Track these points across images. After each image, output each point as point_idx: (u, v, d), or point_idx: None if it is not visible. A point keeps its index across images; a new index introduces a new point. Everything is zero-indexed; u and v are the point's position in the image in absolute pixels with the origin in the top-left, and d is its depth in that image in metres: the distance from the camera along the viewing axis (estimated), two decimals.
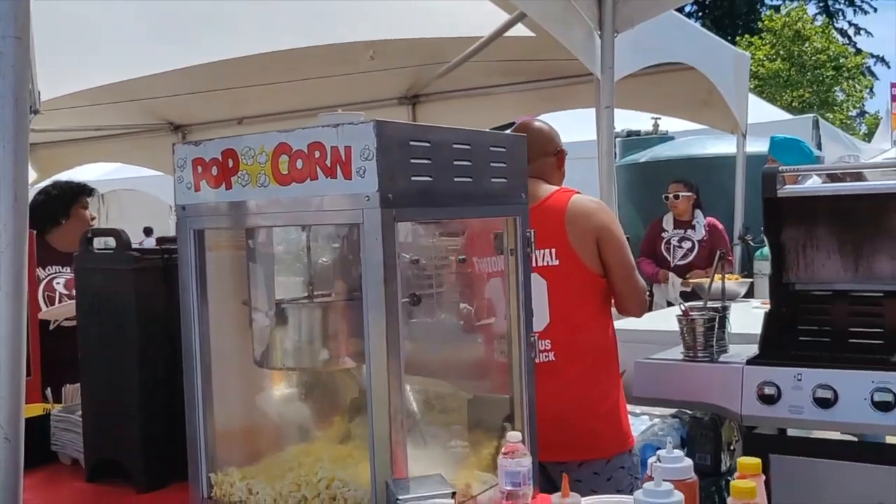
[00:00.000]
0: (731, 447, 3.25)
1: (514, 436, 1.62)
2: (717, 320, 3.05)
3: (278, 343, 1.71)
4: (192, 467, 1.71)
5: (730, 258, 5.68)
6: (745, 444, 2.89)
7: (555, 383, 2.44)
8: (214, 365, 1.74)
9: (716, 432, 3.24)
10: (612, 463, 2.52)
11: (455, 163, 1.62)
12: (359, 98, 6.09)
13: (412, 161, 1.50)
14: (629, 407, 3.24)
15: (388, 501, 1.40)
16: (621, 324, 4.01)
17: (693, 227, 5.77)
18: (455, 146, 1.63)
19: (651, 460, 1.34)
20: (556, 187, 2.60)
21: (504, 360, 1.86)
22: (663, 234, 5.86)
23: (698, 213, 5.82)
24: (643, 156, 7.85)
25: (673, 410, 3.26)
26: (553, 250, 2.48)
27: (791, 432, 3.07)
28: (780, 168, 3.23)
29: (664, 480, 1.30)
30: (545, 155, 2.64)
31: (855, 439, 3.17)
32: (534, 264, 2.45)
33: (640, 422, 3.20)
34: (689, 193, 5.79)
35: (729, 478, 3.29)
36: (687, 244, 5.75)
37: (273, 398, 1.95)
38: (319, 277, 1.73)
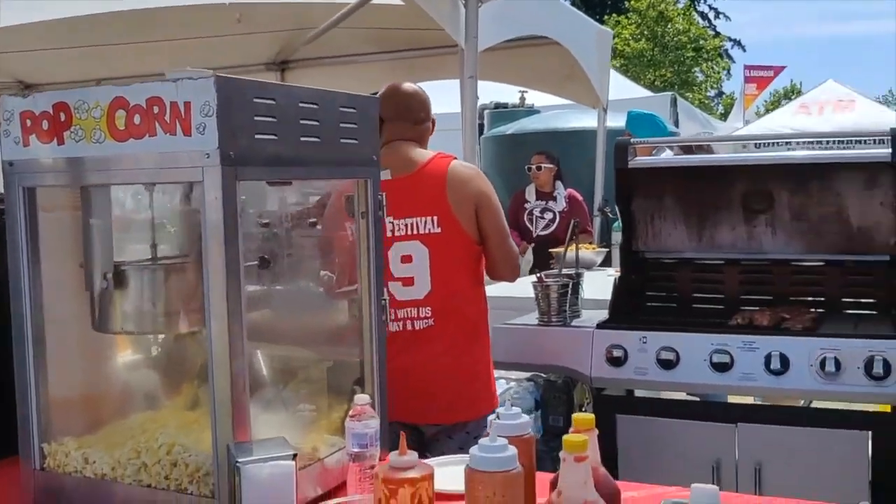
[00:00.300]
0: (584, 408, 3.37)
1: (361, 398, 1.62)
2: (570, 287, 3.15)
3: (117, 306, 1.64)
4: (22, 438, 1.63)
5: (589, 229, 5.86)
6: (595, 405, 3.00)
7: (434, 349, 2.48)
8: (51, 331, 1.66)
9: (568, 394, 3.36)
10: (481, 423, 2.57)
11: (302, 122, 1.59)
12: (226, 62, 5.92)
13: (256, 119, 1.47)
14: None
15: (228, 465, 1.37)
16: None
17: (554, 199, 5.91)
18: (302, 105, 1.60)
19: (491, 418, 1.37)
20: (433, 153, 2.61)
21: (367, 325, 1.86)
22: (526, 205, 5.98)
23: (559, 184, 5.97)
24: (510, 128, 7.98)
25: (529, 374, 3.35)
26: (435, 218, 2.49)
27: (639, 393, 3.22)
28: (632, 140, 3.35)
29: (500, 436, 1.33)
30: (422, 121, 2.64)
31: (698, 399, 3.35)
32: (415, 232, 2.47)
33: (498, 385, 3.27)
34: (551, 165, 5.92)
35: None
36: (548, 215, 5.90)
37: (118, 365, 1.88)
38: (161, 239, 1.67)
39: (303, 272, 1.94)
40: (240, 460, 1.32)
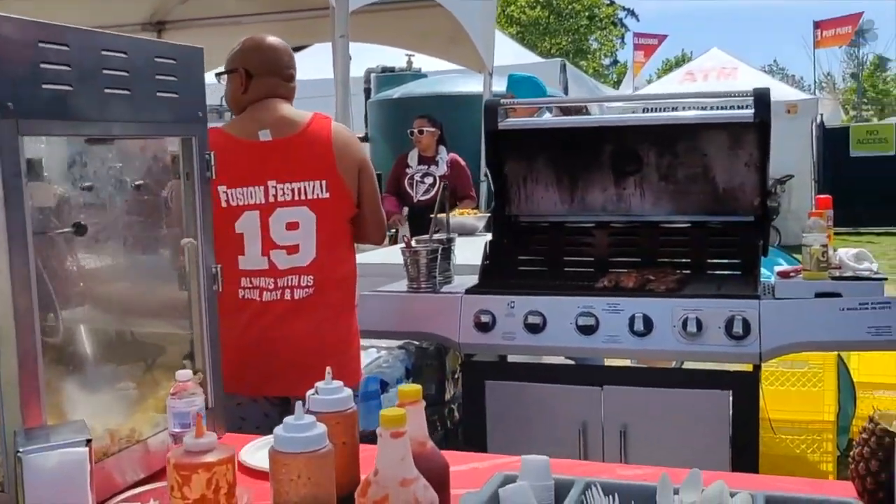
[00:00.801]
0: (456, 375, 3.32)
1: (182, 374, 1.49)
2: (439, 252, 3.07)
3: None
4: None
5: (471, 194, 5.80)
6: (464, 372, 2.95)
7: (313, 318, 2.36)
8: None
9: (440, 361, 3.29)
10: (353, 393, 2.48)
11: (107, 72, 1.44)
12: (98, 21, 5.55)
13: (43, 66, 1.31)
14: None
15: (12, 454, 1.23)
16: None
17: (436, 163, 5.82)
18: (107, 53, 1.44)
19: (309, 392, 1.27)
20: (310, 113, 2.46)
21: (197, 296, 1.72)
22: (407, 170, 5.88)
23: (442, 149, 5.88)
24: (396, 92, 7.85)
25: (400, 342, 3.27)
26: (324, 182, 2.34)
27: (512, 358, 3.18)
28: (502, 100, 3.28)
29: (319, 412, 1.24)
30: (292, 78, 2.48)
31: (572, 362, 3.34)
32: (303, 197, 2.32)
33: (367, 355, 3.18)
34: (433, 129, 5.81)
35: (452, 406, 3.38)
36: (429, 180, 5.81)
37: None
38: None
39: (131, 239, 1.79)
40: (22, 449, 1.18)
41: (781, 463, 3.55)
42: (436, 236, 3.27)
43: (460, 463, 1.58)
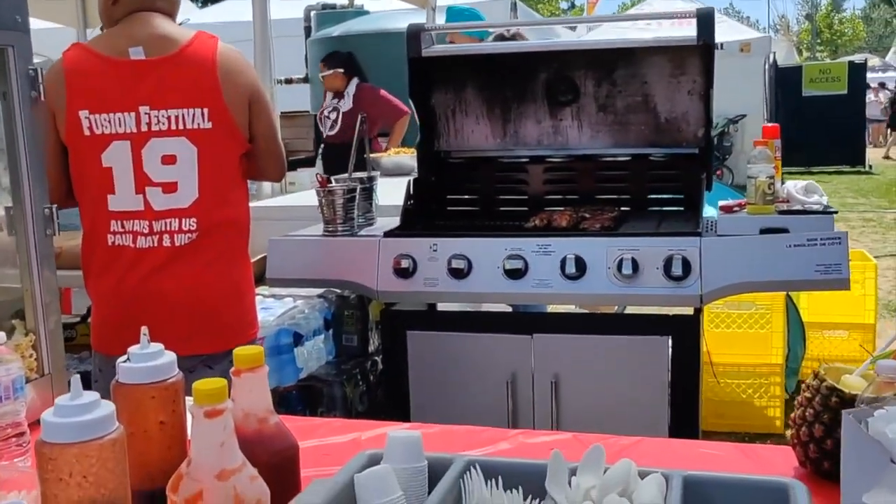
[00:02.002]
0: (379, 325, 3.07)
1: None
2: (358, 191, 2.79)
3: None
4: None
5: (399, 111, 5.58)
6: (384, 322, 2.71)
7: (196, 266, 2.07)
8: None
9: (363, 311, 3.04)
10: None
11: None
12: None
13: None
14: (270, 290, 2.95)
15: None
16: (258, 203, 3.70)
17: (344, 98, 5.62)
18: None
19: (120, 361, 1.01)
20: (193, 31, 2.14)
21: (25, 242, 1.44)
22: (322, 108, 5.73)
23: (354, 83, 5.64)
24: (336, 30, 7.46)
25: (319, 291, 3.01)
26: (205, 110, 2.03)
27: (441, 307, 2.95)
28: (426, 25, 2.99)
29: (127, 384, 0.98)
30: None
31: (509, 309, 3.11)
32: (181, 126, 2.01)
33: (282, 304, 2.92)
34: (331, 71, 5.67)
35: (376, 357, 3.14)
36: (333, 115, 5.61)
37: None
38: None
39: None
40: None
41: (726, 409, 3.40)
42: (356, 174, 2.99)
43: (336, 433, 1.34)
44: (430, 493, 0.99)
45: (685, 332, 2.44)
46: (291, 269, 2.72)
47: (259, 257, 3.10)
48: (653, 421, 2.45)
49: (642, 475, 0.92)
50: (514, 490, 0.96)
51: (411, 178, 2.92)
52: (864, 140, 16.96)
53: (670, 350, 2.45)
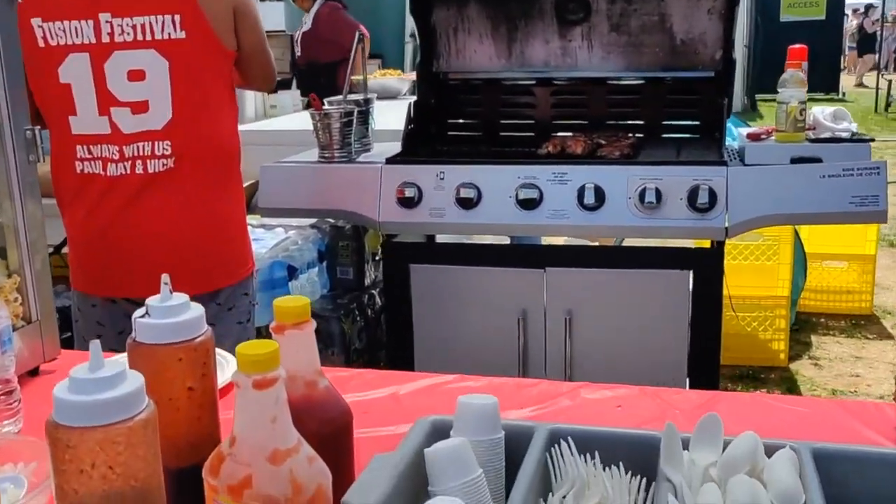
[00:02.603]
0: (377, 257, 2.92)
1: None
2: (355, 114, 2.60)
3: None
4: None
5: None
6: (386, 255, 2.54)
7: (176, 197, 1.86)
8: None
9: (359, 242, 2.88)
10: (237, 289, 2.03)
11: None
12: None
13: None
14: (260, 220, 2.77)
15: None
16: (243, 126, 3.48)
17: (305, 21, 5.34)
18: None
19: (137, 315, 0.84)
20: None
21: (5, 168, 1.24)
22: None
23: (319, 1, 5.34)
24: None
25: (311, 221, 2.83)
26: (177, 17, 1.78)
27: (440, 239, 2.79)
28: None
29: (145, 344, 0.82)
30: None
31: (511, 242, 2.97)
32: (149, 37, 1.78)
33: (274, 235, 2.75)
34: None
35: (373, 291, 2.99)
36: (297, 35, 5.32)
37: None
38: None
39: None
40: None
41: (730, 342, 3.29)
42: (351, 96, 2.79)
43: (371, 388, 1.19)
44: (507, 467, 0.85)
45: (708, 267, 2.32)
46: (285, 197, 2.53)
47: (247, 185, 2.91)
48: (672, 359, 2.34)
49: (768, 450, 0.79)
50: (613, 466, 0.81)
51: (411, 102, 2.72)
52: (840, 67, 16.84)
53: (691, 286, 2.32)
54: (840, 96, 15.37)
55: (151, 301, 0.84)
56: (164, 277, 0.83)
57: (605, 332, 2.37)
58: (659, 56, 2.78)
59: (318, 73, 4.95)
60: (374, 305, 2.88)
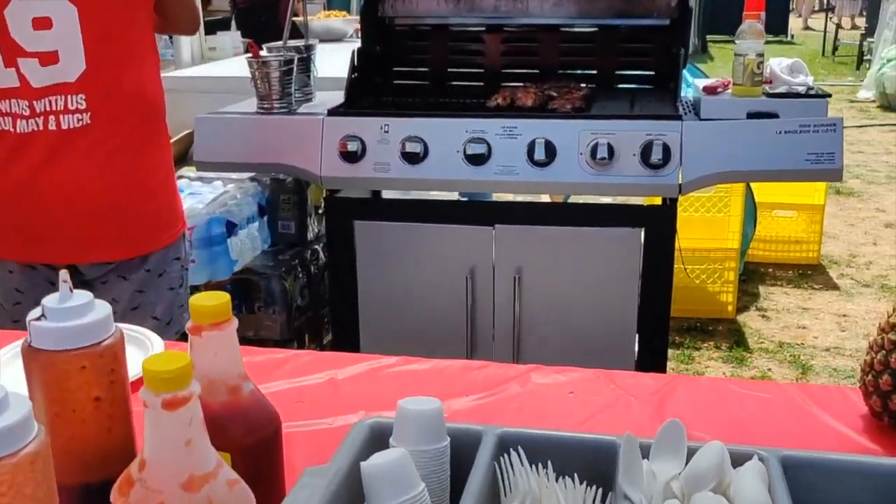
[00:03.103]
0: (320, 211, 2.81)
1: None
2: (295, 62, 2.46)
3: None
4: None
5: None
6: (328, 211, 2.44)
7: (94, 156, 1.73)
8: None
9: (301, 195, 2.77)
10: (167, 254, 1.91)
11: None
12: None
13: None
14: (194, 172, 2.64)
15: None
16: (180, 72, 3.31)
17: None
18: None
19: (31, 317, 0.74)
20: None
21: None
22: None
23: None
24: None
25: (250, 174, 2.71)
26: None
27: (385, 194, 2.70)
28: None
29: (42, 350, 0.72)
30: None
31: (459, 198, 2.88)
32: None
33: (212, 189, 2.62)
34: None
35: (316, 246, 2.89)
36: None
37: None
38: None
39: None
40: None
41: (678, 294, 3.27)
42: (291, 42, 2.64)
43: (307, 372, 1.11)
44: (453, 473, 0.77)
45: (660, 224, 2.26)
46: (222, 150, 2.40)
47: (183, 134, 2.77)
48: (621, 317, 2.30)
49: (735, 458, 0.72)
50: (567, 478, 0.75)
51: (355, 49, 2.59)
52: (788, 8, 16.85)
53: (643, 243, 2.27)
54: (789, 38, 15.41)
55: (48, 301, 0.73)
56: (63, 275, 0.73)
57: (554, 290, 2.32)
58: (613, 2, 2.68)
59: (259, 12, 4.73)
60: (318, 261, 2.78)
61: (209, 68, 3.37)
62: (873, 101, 8.79)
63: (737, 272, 3.37)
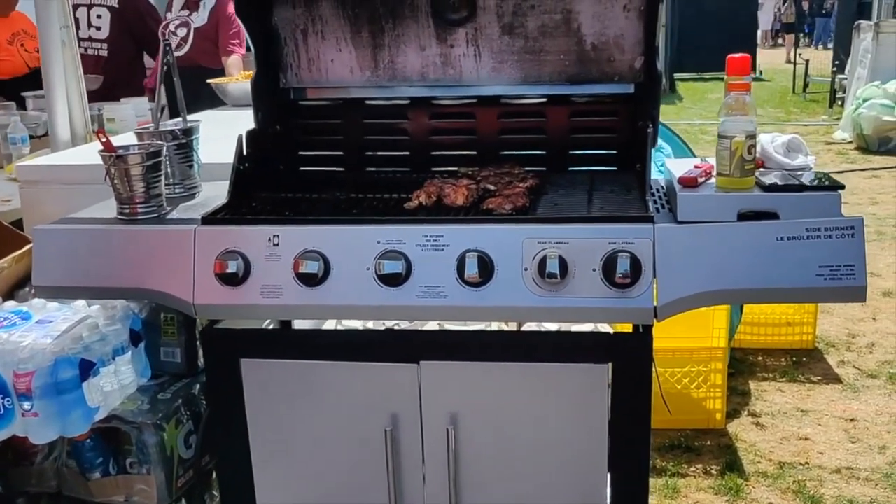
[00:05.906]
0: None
1: None
2: (165, 154, 1.94)
3: None
4: None
5: (235, 50, 4.58)
6: (206, 348, 1.90)
7: None
8: None
9: (188, 315, 2.21)
10: None
11: None
12: None
13: None
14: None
15: None
16: (52, 157, 2.78)
17: (197, 9, 4.56)
18: None
19: None
20: None
21: None
22: (167, 16, 4.64)
23: None
24: None
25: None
26: None
27: (298, 324, 2.15)
28: None
29: None
30: None
31: (374, 325, 2.33)
32: None
33: (71, 313, 2.06)
34: None
35: None
36: (182, 31, 4.56)
37: None
38: None
39: None
40: None
41: (657, 403, 2.76)
42: (168, 124, 2.13)
43: None
44: None
45: (632, 358, 1.74)
46: (66, 272, 1.88)
47: (28, 247, 2.23)
48: (587, 460, 1.77)
49: None
50: None
51: (243, 133, 2.06)
52: (756, 44, 16.69)
53: (610, 383, 1.75)
54: (758, 74, 15.16)
55: None
56: None
57: (500, 441, 1.79)
58: (564, 65, 2.20)
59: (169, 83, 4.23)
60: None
61: (88, 151, 2.77)
62: (850, 143, 8.43)
63: (724, 374, 2.86)
